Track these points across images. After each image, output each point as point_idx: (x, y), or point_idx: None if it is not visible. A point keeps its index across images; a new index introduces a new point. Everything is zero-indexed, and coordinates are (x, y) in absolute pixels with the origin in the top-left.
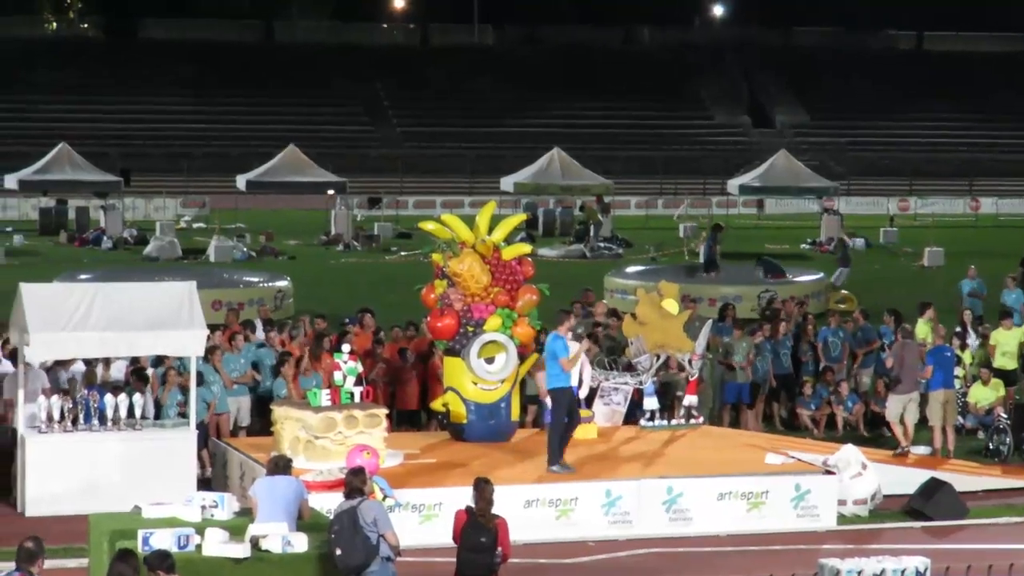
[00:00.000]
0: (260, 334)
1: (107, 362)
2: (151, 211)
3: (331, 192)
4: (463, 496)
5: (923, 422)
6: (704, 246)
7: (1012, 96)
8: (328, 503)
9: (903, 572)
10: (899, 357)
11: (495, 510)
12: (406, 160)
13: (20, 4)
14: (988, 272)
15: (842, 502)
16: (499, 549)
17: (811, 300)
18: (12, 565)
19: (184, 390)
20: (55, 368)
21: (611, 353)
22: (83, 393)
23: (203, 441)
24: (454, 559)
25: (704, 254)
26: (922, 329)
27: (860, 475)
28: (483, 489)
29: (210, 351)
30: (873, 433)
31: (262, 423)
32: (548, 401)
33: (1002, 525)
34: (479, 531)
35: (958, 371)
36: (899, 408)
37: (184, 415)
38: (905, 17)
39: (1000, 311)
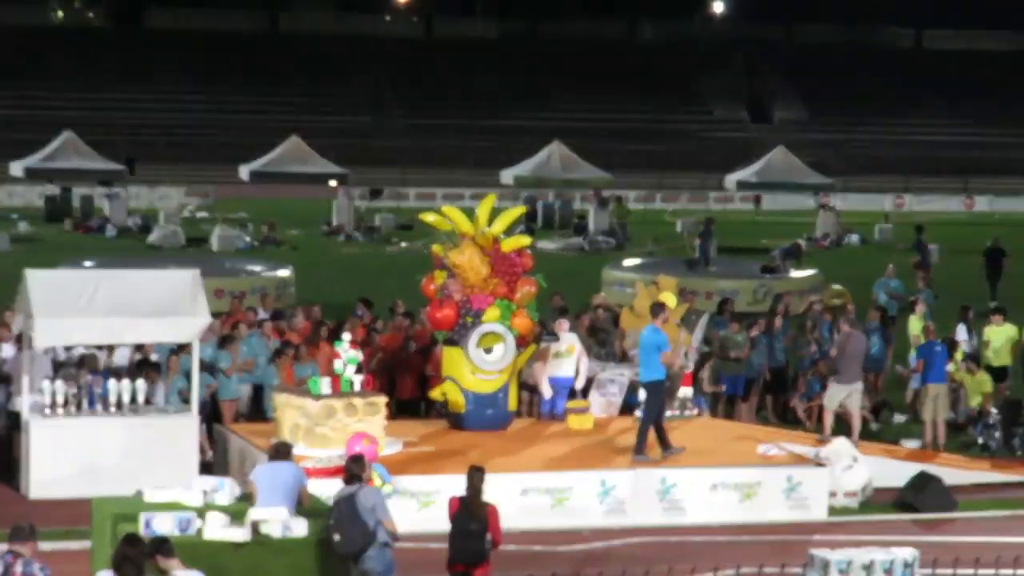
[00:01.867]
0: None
1: (111, 348)
2: (155, 200)
3: (333, 183)
4: (460, 484)
5: (914, 416)
6: (698, 241)
7: (1009, 94)
8: (327, 490)
9: (891, 563)
10: (841, 347)
11: (490, 497)
12: (408, 152)
13: None
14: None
15: (833, 494)
16: (488, 536)
17: (808, 295)
18: (5, 547)
19: (188, 376)
20: (59, 354)
21: (603, 345)
22: (87, 379)
23: (208, 426)
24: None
25: (698, 249)
26: (915, 325)
27: (851, 467)
28: (472, 477)
29: (229, 339)
30: (863, 427)
31: (258, 411)
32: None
33: (990, 519)
34: (469, 518)
35: (950, 366)
36: (839, 396)
37: (187, 400)
38: (904, 14)
39: (991, 308)
